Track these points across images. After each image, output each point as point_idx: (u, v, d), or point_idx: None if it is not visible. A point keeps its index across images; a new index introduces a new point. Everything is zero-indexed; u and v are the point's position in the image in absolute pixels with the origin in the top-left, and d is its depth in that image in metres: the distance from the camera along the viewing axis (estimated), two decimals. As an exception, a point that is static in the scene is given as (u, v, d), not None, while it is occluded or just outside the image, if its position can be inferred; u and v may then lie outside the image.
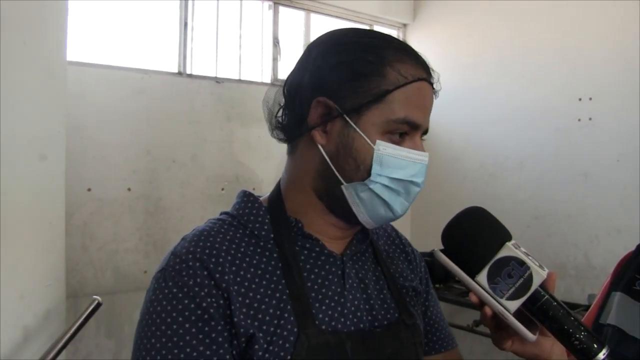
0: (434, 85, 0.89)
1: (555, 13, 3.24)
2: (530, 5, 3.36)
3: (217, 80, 3.25)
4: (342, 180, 0.85)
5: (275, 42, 3.53)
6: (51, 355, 1.62)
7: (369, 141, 0.82)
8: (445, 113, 3.82)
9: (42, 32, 1.86)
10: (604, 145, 3.01)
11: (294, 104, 0.89)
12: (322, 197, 0.89)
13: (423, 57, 0.88)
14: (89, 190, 2.77)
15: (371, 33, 0.90)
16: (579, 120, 3.12)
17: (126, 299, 2.81)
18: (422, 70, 0.86)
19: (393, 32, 4.20)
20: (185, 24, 3.17)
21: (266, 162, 3.30)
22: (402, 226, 4.02)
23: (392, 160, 0.83)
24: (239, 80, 3.38)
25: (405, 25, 4.21)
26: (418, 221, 4.05)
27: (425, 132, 0.89)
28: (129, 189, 2.90)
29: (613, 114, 2.97)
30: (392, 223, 1.11)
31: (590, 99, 3.07)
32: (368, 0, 3.92)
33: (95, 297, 1.76)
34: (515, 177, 3.44)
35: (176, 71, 3.16)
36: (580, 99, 3.11)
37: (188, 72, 3.18)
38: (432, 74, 0.88)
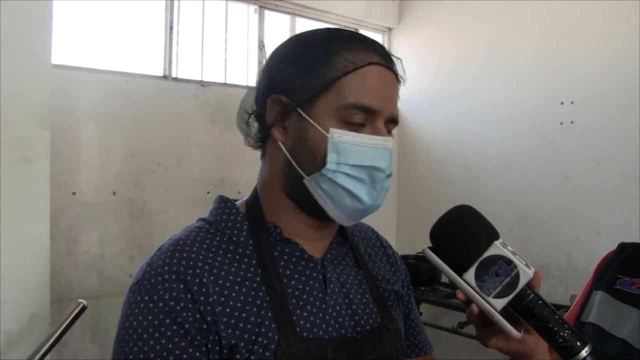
0: (395, 71, 0.87)
1: (538, 17, 3.28)
2: (514, 9, 3.41)
3: (202, 83, 3.25)
4: (303, 174, 0.84)
5: (261, 46, 3.54)
6: (37, 358, 1.60)
7: (321, 130, 0.82)
8: (429, 116, 3.85)
9: (27, 35, 1.85)
10: (585, 148, 3.05)
11: (258, 109, 0.90)
12: (291, 196, 0.88)
13: (379, 44, 0.88)
14: (74, 194, 2.75)
15: (325, 30, 0.89)
16: (561, 123, 3.16)
17: (111, 303, 2.79)
18: (374, 55, 0.85)
19: (378, 36, 4.22)
20: (171, 27, 3.16)
21: (251, 165, 3.28)
22: (388, 229, 4.04)
23: (349, 147, 0.82)
24: (224, 84, 3.38)
25: (390, 29, 4.24)
26: (403, 224, 4.08)
27: (394, 121, 0.88)
28: (114, 193, 2.89)
29: (594, 118, 3.02)
30: (374, 226, 1.12)
31: (572, 102, 3.11)
32: (353, 4, 3.94)
33: (80, 300, 1.75)
34: (498, 179, 3.48)
35: (161, 74, 3.15)
36: (562, 103, 3.15)
37: (173, 75, 3.16)
38: (392, 60, 0.87)
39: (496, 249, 0.75)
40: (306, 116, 0.83)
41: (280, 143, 0.86)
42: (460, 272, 0.76)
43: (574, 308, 1.15)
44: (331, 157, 0.81)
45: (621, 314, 1.04)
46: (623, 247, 1.17)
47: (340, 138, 0.81)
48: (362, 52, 0.84)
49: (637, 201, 2.77)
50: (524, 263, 0.75)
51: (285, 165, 0.87)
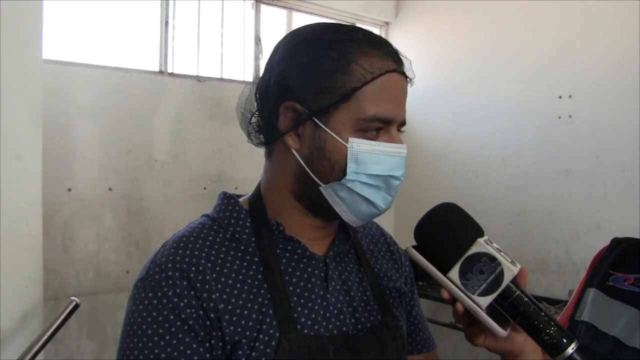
0: (407, 74, 0.86)
1: (537, 13, 3.26)
2: (512, 4, 3.39)
3: (198, 78, 3.24)
4: (320, 182, 0.84)
5: (257, 41, 3.52)
6: (28, 357, 1.60)
7: (341, 140, 0.81)
8: (428, 111, 3.84)
9: (16, 30, 1.84)
10: (584, 142, 3.04)
11: (265, 109, 0.88)
12: (300, 199, 0.87)
13: (391, 45, 0.86)
14: (70, 190, 2.74)
15: (334, 28, 0.86)
16: (560, 117, 3.14)
17: (108, 299, 2.79)
18: (389, 61, 0.83)
19: (375, 31, 4.21)
20: (167, 23, 3.15)
21: (248, 161, 3.29)
22: (386, 224, 4.01)
23: (368, 156, 0.81)
24: (221, 79, 3.37)
25: (387, 23, 4.22)
26: (401, 219, 4.06)
27: (403, 123, 0.87)
28: (110, 189, 2.88)
29: (592, 112, 3.01)
30: (377, 222, 1.11)
31: (570, 96, 3.10)
32: (350, -2, 3.93)
33: (73, 298, 1.74)
34: (497, 174, 3.46)
35: (157, 70, 3.14)
36: (560, 97, 3.14)
37: (169, 70, 3.16)
38: (403, 62, 0.86)
39: (480, 246, 0.74)
40: (323, 126, 0.82)
41: (293, 150, 0.85)
42: (445, 271, 0.75)
43: (569, 306, 1.12)
44: (350, 167, 0.81)
45: (613, 312, 1.03)
46: (616, 243, 1.14)
47: (359, 147, 0.81)
48: (378, 58, 0.82)
49: (637, 195, 2.76)
50: (509, 260, 0.74)
51: (298, 171, 0.85)
